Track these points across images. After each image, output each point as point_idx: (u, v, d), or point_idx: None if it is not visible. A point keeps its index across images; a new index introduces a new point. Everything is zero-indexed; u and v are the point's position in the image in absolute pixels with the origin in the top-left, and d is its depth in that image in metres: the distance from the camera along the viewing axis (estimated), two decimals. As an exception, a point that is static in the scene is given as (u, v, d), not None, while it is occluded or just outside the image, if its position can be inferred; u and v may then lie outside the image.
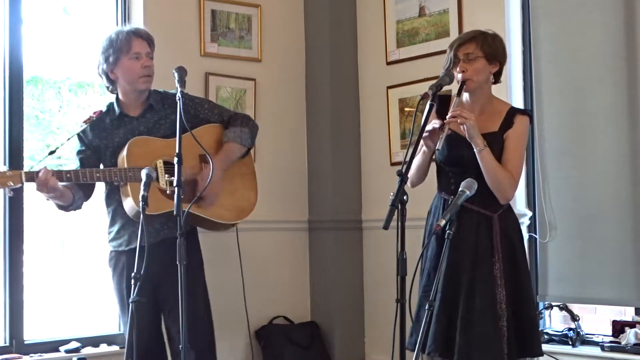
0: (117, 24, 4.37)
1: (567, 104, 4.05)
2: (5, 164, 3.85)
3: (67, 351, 3.95)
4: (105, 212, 3.33)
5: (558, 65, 4.07)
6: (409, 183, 3.09)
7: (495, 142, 3.01)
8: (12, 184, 2.86)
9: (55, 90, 4.46)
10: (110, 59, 3.13)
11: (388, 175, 4.66)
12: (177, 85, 2.87)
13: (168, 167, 3.07)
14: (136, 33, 3.17)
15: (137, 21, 4.33)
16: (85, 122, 3.20)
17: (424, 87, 3.12)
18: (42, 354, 3.91)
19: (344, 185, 4.85)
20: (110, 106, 3.23)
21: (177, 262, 2.61)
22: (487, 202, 3.01)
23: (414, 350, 2.95)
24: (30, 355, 3.88)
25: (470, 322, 2.92)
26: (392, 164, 4.68)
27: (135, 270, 2.62)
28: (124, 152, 3.07)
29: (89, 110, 4.53)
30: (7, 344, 3.87)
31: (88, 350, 4.04)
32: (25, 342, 3.92)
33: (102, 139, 3.18)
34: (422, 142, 3.02)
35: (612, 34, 3.88)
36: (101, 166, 3.22)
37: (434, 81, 2.91)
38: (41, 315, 4.17)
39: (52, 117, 4.46)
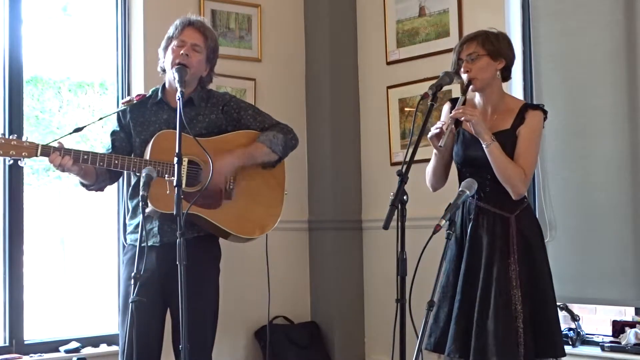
0: (117, 24, 4.39)
1: (567, 104, 4.04)
2: (5, 163, 3.85)
3: (67, 351, 3.95)
4: (116, 204, 3.22)
5: (558, 65, 4.07)
6: (430, 187, 3.20)
7: (508, 140, 2.99)
8: (26, 154, 2.84)
9: (55, 90, 4.47)
10: (163, 45, 3.11)
11: (388, 175, 4.66)
12: (178, 85, 2.86)
13: (193, 167, 3.00)
14: (191, 22, 3.09)
15: (137, 21, 4.34)
16: (124, 103, 3.14)
17: (424, 87, 3.12)
18: (42, 354, 3.91)
19: (344, 185, 4.86)
20: (155, 91, 3.15)
21: (177, 262, 2.59)
22: (504, 202, 2.99)
23: (432, 350, 3.03)
24: (30, 355, 3.88)
25: (485, 323, 2.91)
26: (392, 164, 4.68)
27: (135, 270, 2.60)
28: (150, 143, 2.99)
29: (88, 110, 4.55)
30: (7, 344, 3.88)
31: (88, 350, 4.04)
32: (25, 342, 3.92)
33: (136, 124, 3.09)
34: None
35: (612, 34, 3.88)
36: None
37: (434, 81, 2.90)
38: (41, 315, 4.17)
39: (52, 117, 4.46)
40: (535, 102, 4.06)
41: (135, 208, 3.12)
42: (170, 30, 3.10)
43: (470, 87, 3.01)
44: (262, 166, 3.14)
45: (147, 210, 2.92)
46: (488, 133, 2.95)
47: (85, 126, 3.07)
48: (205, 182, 2.92)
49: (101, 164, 2.91)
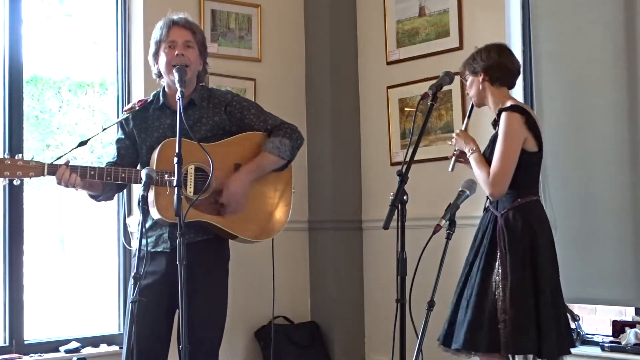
0: (117, 24, 4.38)
1: (567, 104, 4.04)
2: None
3: (67, 351, 3.95)
4: (116, 205, 3.16)
5: (558, 65, 4.07)
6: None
7: (493, 143, 3.21)
8: (33, 174, 2.80)
9: (55, 90, 4.47)
10: (153, 51, 3.06)
11: (388, 175, 4.66)
12: (178, 85, 2.84)
13: (200, 174, 2.98)
14: (175, 21, 3.04)
15: (137, 21, 4.33)
16: (126, 111, 3.10)
17: (424, 87, 3.13)
18: (42, 354, 3.91)
19: (344, 185, 4.85)
20: (156, 95, 3.11)
21: (177, 262, 2.58)
22: (500, 202, 3.18)
23: (442, 344, 3.22)
24: (30, 355, 3.88)
25: (459, 313, 3.14)
26: (392, 164, 4.68)
27: (135, 271, 2.60)
28: (155, 153, 2.95)
29: (88, 110, 4.55)
30: (7, 344, 3.88)
31: (88, 350, 4.04)
32: (25, 342, 3.92)
33: (140, 131, 3.06)
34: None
35: (612, 34, 3.88)
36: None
37: (434, 81, 2.90)
38: (41, 315, 4.17)
39: (52, 117, 4.47)
40: (535, 102, 4.08)
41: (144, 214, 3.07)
42: (156, 34, 3.05)
43: (473, 105, 3.36)
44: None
45: (156, 218, 2.92)
46: (468, 145, 3.25)
47: (89, 139, 3.04)
48: (212, 187, 2.93)
49: (108, 178, 2.89)
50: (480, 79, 3.24)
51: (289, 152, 3.12)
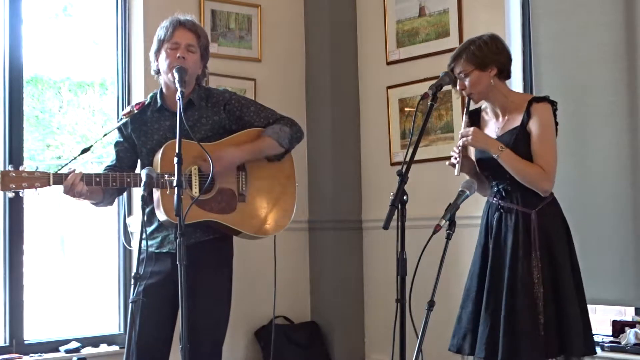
0: (117, 24, 4.38)
1: (567, 104, 4.03)
2: (5, 164, 3.84)
3: (67, 351, 3.95)
4: (116, 205, 3.15)
5: (558, 65, 4.07)
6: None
7: (520, 137, 3.01)
8: (39, 185, 2.76)
9: (55, 90, 4.47)
10: (155, 48, 3.04)
11: (388, 175, 4.66)
12: (178, 85, 2.84)
13: (203, 174, 2.97)
14: (181, 22, 3.02)
15: (137, 21, 4.34)
16: (125, 115, 3.08)
17: (424, 87, 3.12)
18: (42, 354, 3.91)
19: (344, 185, 4.86)
20: (153, 97, 3.09)
21: (177, 262, 2.58)
22: (527, 199, 3.00)
23: (455, 352, 3.04)
24: (30, 355, 3.88)
25: (512, 322, 2.91)
26: (392, 164, 4.68)
27: (135, 270, 2.61)
28: (159, 155, 2.94)
29: (89, 110, 4.55)
30: (7, 344, 3.88)
31: (88, 350, 4.04)
32: (25, 342, 3.92)
33: (140, 135, 3.05)
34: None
35: (612, 34, 3.88)
36: (138, 162, 3.12)
37: (434, 81, 2.90)
38: (41, 315, 4.17)
39: (52, 117, 4.47)
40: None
41: (151, 214, 3.05)
42: (161, 33, 3.04)
43: (471, 101, 3.09)
44: (268, 159, 3.13)
45: (162, 220, 2.92)
46: (494, 145, 2.98)
47: (91, 146, 3.03)
48: (215, 186, 2.93)
49: (114, 184, 2.87)
50: (492, 74, 3.03)
51: (287, 140, 3.12)
